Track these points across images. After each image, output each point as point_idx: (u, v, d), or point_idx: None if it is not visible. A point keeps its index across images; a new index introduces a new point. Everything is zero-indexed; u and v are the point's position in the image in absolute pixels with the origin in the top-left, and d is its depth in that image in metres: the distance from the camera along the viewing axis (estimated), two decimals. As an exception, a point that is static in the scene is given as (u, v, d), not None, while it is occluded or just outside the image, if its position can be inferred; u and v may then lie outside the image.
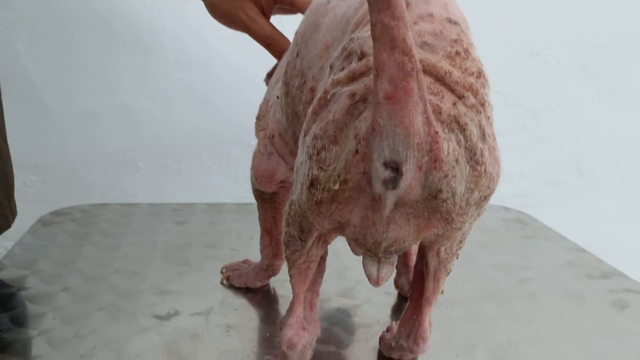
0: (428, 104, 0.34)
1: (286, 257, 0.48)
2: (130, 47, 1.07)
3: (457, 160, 0.37)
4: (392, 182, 0.35)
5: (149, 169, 1.12)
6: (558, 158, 1.20)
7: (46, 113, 1.08)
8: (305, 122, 0.41)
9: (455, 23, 0.41)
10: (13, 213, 0.77)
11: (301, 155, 0.41)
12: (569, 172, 1.21)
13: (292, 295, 0.50)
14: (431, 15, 0.40)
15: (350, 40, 0.42)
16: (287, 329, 0.49)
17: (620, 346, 0.61)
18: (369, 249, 0.42)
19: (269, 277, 0.70)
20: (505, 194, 1.19)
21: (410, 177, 0.35)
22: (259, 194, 0.65)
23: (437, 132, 0.35)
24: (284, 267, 0.53)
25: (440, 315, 0.65)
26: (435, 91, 0.38)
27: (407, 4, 0.40)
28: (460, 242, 0.46)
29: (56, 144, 1.09)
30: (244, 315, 0.64)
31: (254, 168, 0.63)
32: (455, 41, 0.40)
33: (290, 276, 0.48)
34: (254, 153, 0.63)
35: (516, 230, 0.95)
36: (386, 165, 0.35)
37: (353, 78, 0.39)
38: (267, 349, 0.57)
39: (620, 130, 1.19)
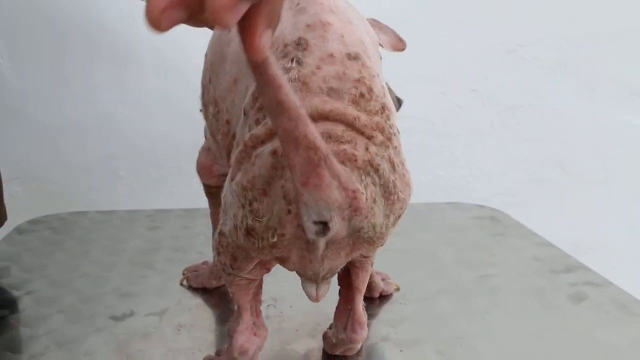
0: (342, 176, 0.37)
1: (224, 279, 0.50)
2: (108, 56, 1.08)
3: (374, 200, 0.41)
4: (322, 233, 0.39)
5: (130, 176, 1.14)
6: (539, 155, 1.20)
7: (29, 124, 1.10)
8: (231, 168, 0.44)
9: (355, 57, 0.42)
10: (2, 218, 0.78)
11: (229, 196, 0.44)
12: (551, 168, 1.21)
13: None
14: (331, 55, 0.42)
15: None
16: (238, 336, 0.50)
17: (568, 338, 0.61)
18: (309, 278, 0.47)
19: (224, 276, 0.71)
20: (486, 193, 1.19)
21: (336, 228, 0.39)
22: (207, 189, 0.68)
23: (354, 191, 0.39)
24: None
25: (391, 312, 0.65)
26: (349, 139, 0.41)
27: (307, 45, 0.42)
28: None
29: (39, 154, 1.11)
30: (197, 315, 0.65)
31: (197, 161, 0.67)
32: (358, 80, 0.42)
33: (232, 292, 0.50)
34: (199, 149, 0.68)
35: (487, 227, 0.95)
36: (315, 223, 0.38)
37: (271, 134, 0.41)
38: (214, 347, 0.58)
39: (601, 124, 1.18)
